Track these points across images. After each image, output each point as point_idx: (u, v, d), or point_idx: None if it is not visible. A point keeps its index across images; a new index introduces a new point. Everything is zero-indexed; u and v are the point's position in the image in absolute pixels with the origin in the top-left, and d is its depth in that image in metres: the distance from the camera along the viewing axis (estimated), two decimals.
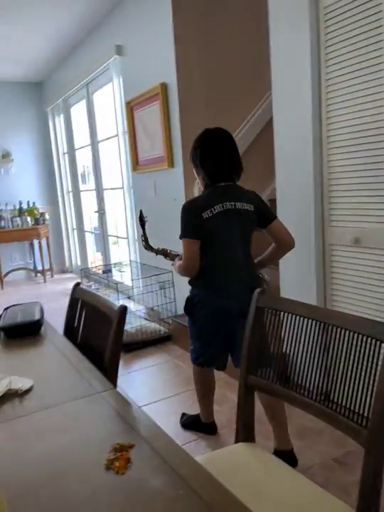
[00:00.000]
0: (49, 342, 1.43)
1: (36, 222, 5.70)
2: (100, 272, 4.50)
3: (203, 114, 3.12)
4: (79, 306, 1.56)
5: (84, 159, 5.44)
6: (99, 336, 1.36)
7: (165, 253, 2.12)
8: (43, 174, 6.13)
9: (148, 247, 2.21)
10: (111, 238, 5.00)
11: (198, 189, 3.12)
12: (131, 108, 3.58)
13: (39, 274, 6.00)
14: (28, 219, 5.66)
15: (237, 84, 3.22)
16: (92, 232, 5.70)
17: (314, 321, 1.15)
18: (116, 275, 4.46)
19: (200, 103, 3.10)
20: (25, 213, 5.70)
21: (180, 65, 2.98)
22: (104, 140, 4.57)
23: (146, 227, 2.16)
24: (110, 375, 1.21)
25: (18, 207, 5.72)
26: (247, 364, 1.29)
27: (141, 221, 2.17)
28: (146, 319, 3.48)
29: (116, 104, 4.04)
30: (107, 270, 4.01)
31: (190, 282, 1.83)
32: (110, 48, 3.72)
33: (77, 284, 1.60)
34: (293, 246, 1.84)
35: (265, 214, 1.82)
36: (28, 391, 1.09)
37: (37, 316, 1.52)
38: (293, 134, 2.21)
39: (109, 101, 4.29)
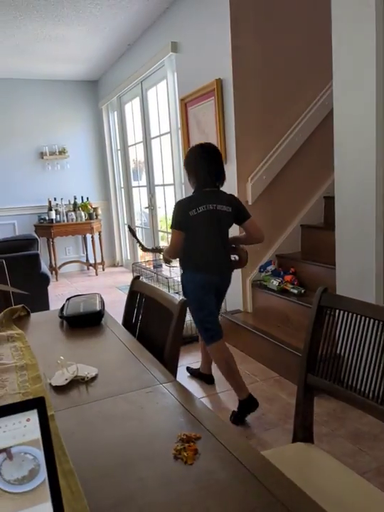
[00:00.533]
0: (110, 332, 1.47)
1: (89, 217, 5.87)
2: (150, 266, 4.57)
3: (258, 110, 3.09)
4: (138, 298, 1.59)
5: (136, 156, 5.54)
6: (159, 328, 1.38)
7: (159, 250, 2.66)
8: (97, 170, 6.30)
9: (144, 249, 2.72)
10: (160, 233, 5.06)
11: (251, 185, 3.10)
12: (185, 105, 3.60)
13: (91, 267, 6.18)
14: (82, 214, 5.84)
15: (294, 79, 3.16)
16: (142, 228, 5.80)
17: (377, 321, 1.11)
18: (165, 270, 4.51)
19: (256, 98, 3.07)
20: (80, 208, 5.88)
21: (236, 61, 2.97)
22: (157, 137, 4.63)
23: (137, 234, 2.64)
24: (170, 367, 1.22)
25: (72, 202, 5.92)
26: (307, 363, 1.27)
27: (132, 232, 2.75)
28: None
29: (169, 100, 4.08)
30: (158, 265, 4.06)
31: (181, 266, 2.32)
32: (166, 45, 3.76)
33: (137, 278, 1.63)
34: (261, 241, 2.35)
35: (241, 214, 2.27)
36: (93, 379, 1.13)
37: (98, 307, 1.56)
38: (354, 128, 2.14)
39: (162, 98, 4.34)
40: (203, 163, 2.22)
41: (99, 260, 6.12)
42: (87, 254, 6.29)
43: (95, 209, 5.99)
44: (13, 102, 5.73)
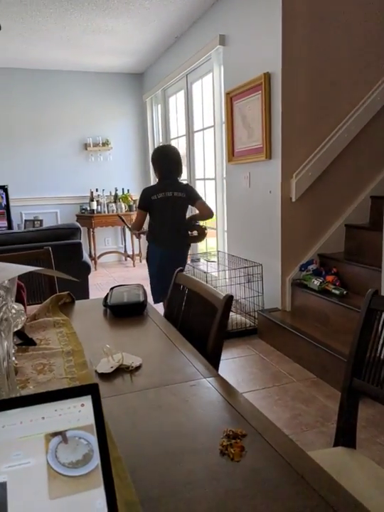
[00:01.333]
0: (152, 323, 1.48)
1: (129, 208, 5.94)
2: (188, 260, 4.58)
3: (306, 105, 3.02)
4: (180, 291, 1.59)
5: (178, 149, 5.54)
6: (201, 322, 1.38)
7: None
8: (138, 162, 6.36)
9: (129, 228, 3.25)
10: None
11: (295, 182, 3.04)
12: (230, 98, 3.57)
13: (128, 258, 6.27)
14: (122, 205, 5.92)
15: (344, 75, 3.07)
16: None
17: None
18: (202, 265, 4.51)
19: (305, 93, 3.00)
20: (120, 200, 5.97)
21: (286, 54, 2.91)
22: (200, 130, 4.61)
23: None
24: (213, 362, 1.22)
25: (113, 193, 6.01)
26: (353, 366, 1.24)
27: (121, 219, 3.40)
28: (231, 311, 3.48)
29: (214, 94, 4.05)
30: (195, 259, 4.07)
31: (147, 240, 3.02)
32: (214, 38, 3.73)
33: (180, 271, 1.63)
34: (211, 216, 3.05)
35: (193, 197, 2.97)
36: (137, 368, 1.14)
37: (141, 298, 1.58)
38: None
39: (207, 91, 4.32)
40: (164, 160, 2.92)
41: (137, 252, 6.20)
42: (125, 245, 6.38)
43: (135, 201, 6.05)
44: (60, 93, 5.86)
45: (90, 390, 0.67)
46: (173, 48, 4.88)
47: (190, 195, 2.97)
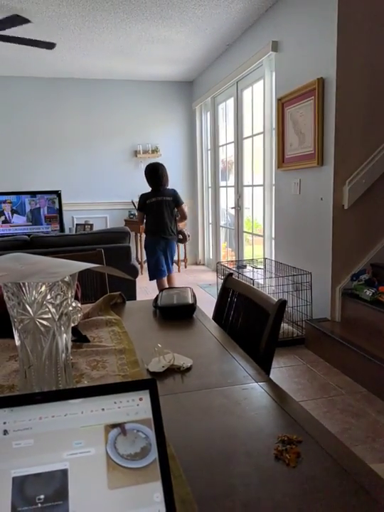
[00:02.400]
0: (201, 326, 1.48)
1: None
2: (233, 267, 4.56)
3: (361, 111, 2.95)
4: (230, 295, 1.59)
5: (226, 156, 5.56)
6: (252, 327, 1.37)
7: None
8: (186, 169, 6.43)
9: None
10: (244, 235, 5.03)
11: (348, 189, 2.96)
12: (282, 104, 3.53)
13: (174, 264, 6.31)
14: None
15: None
16: (226, 228, 5.81)
17: None
18: (248, 271, 4.48)
19: (360, 98, 2.93)
20: None
21: (341, 59, 2.85)
22: (249, 137, 4.60)
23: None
24: (264, 366, 1.20)
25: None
26: None
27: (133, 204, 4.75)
28: None
29: (265, 100, 4.03)
30: (242, 266, 4.04)
31: (145, 233, 4.03)
32: (266, 45, 3.72)
33: (230, 275, 1.63)
34: (185, 219, 4.11)
35: (177, 201, 3.96)
36: (188, 369, 1.14)
37: (191, 300, 1.58)
38: None
39: (258, 98, 4.31)
40: (151, 175, 3.94)
41: (182, 257, 6.24)
42: None
43: None
44: (112, 102, 6.03)
45: (148, 384, 0.68)
46: (223, 56, 4.91)
47: (175, 199, 3.95)
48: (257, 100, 4.32)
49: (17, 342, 0.92)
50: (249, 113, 4.56)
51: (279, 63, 3.63)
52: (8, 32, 3.64)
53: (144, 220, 3.99)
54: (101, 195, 6.14)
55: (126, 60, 5.15)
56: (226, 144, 5.38)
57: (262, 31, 3.88)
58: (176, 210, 3.97)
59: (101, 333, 1.42)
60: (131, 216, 6.07)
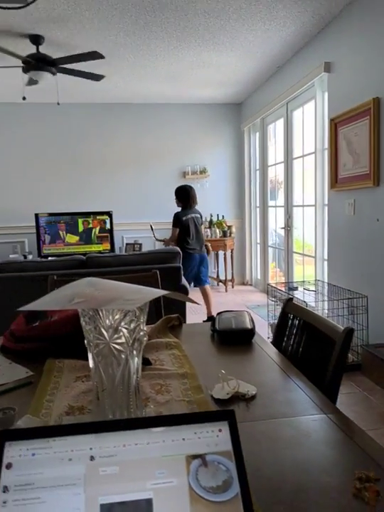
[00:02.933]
0: (262, 352, 1.46)
1: (224, 234, 6.02)
2: (282, 288, 4.49)
3: None
4: (290, 321, 1.56)
5: (274, 176, 5.54)
6: (316, 354, 1.34)
7: (163, 240, 4.90)
8: (234, 189, 6.46)
9: (157, 239, 5.13)
10: (294, 255, 4.96)
11: None
12: (335, 124, 3.50)
13: (221, 284, 6.31)
14: (217, 231, 6.02)
15: None
16: (274, 248, 5.76)
17: None
18: (299, 293, 4.39)
19: None
20: (215, 225, 6.08)
21: None
22: (300, 157, 4.57)
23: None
24: (330, 396, 1.17)
25: (208, 219, 6.14)
26: None
27: (151, 228, 5.19)
28: None
29: (317, 121, 4.01)
30: (293, 288, 3.98)
31: (180, 247, 3.90)
32: (318, 66, 3.72)
33: (290, 299, 1.61)
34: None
35: (202, 217, 4.69)
36: (253, 397, 1.13)
37: (249, 325, 1.57)
38: None
39: (308, 118, 4.29)
40: (186, 195, 4.53)
41: (229, 277, 6.22)
42: (217, 271, 6.44)
43: (230, 227, 6.13)
44: (161, 124, 6.20)
45: (227, 416, 0.68)
46: (273, 77, 4.95)
47: (201, 217, 4.69)
48: (308, 120, 4.30)
49: (91, 365, 0.95)
50: (300, 133, 4.54)
51: (332, 83, 3.61)
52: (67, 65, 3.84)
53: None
54: (150, 215, 6.27)
55: (176, 85, 5.29)
56: (275, 164, 5.37)
57: (314, 52, 3.88)
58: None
59: (161, 355, 1.43)
60: None
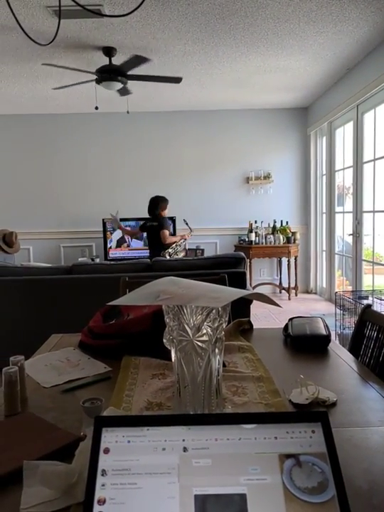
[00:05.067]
0: (339, 358, 1.41)
1: (287, 240, 5.91)
2: (351, 297, 4.32)
3: None
4: (368, 329, 1.50)
5: (342, 181, 5.37)
6: None
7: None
8: (299, 195, 6.33)
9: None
10: (364, 263, 4.76)
11: None
12: None
13: (283, 291, 6.19)
14: (280, 237, 5.92)
15: None
16: (341, 255, 5.56)
17: None
18: (368, 303, 4.20)
19: None
20: (278, 231, 5.99)
21: None
22: (371, 161, 4.40)
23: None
24: None
25: (272, 225, 6.06)
26: None
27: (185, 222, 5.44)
28: None
29: None
30: (363, 297, 3.81)
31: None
32: None
33: (368, 306, 1.54)
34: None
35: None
36: (333, 404, 1.09)
37: (325, 331, 1.53)
38: None
39: (380, 121, 4.12)
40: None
41: (292, 285, 6.09)
42: (280, 278, 6.33)
43: (294, 233, 6.01)
44: (225, 130, 6.23)
45: (320, 417, 0.67)
46: (342, 80, 4.81)
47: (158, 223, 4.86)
48: (380, 123, 4.13)
49: (174, 362, 0.96)
50: (371, 136, 4.37)
51: None
52: (138, 72, 3.97)
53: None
54: (212, 220, 6.30)
55: (241, 90, 5.30)
56: (343, 169, 5.20)
57: None
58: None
59: (235, 358, 1.43)
60: (241, 241, 6.12)
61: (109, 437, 0.64)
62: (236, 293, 0.89)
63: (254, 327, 1.79)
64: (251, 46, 3.90)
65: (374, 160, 4.31)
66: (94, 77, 3.93)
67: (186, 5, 3.12)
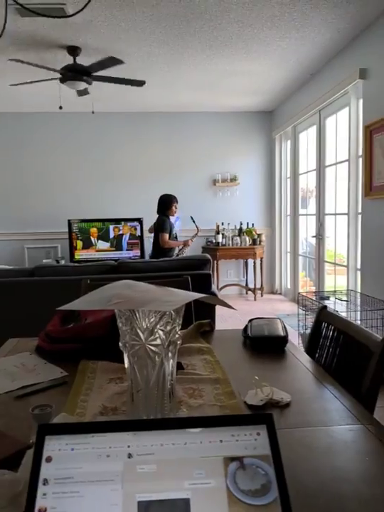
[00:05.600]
0: (295, 360, 1.44)
1: (253, 242, 5.98)
2: (313, 297, 4.42)
3: None
4: (324, 329, 1.54)
5: (306, 184, 5.48)
6: (352, 364, 1.31)
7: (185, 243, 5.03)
8: (264, 197, 6.43)
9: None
10: (326, 265, 4.87)
11: None
12: (370, 132, 3.44)
13: (250, 292, 6.26)
14: (246, 239, 5.99)
15: None
16: (305, 257, 5.68)
17: None
18: (330, 304, 4.30)
19: None
20: (244, 233, 6.05)
21: None
22: (332, 165, 4.51)
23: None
24: (368, 407, 1.14)
25: (238, 227, 6.12)
26: None
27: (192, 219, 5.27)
28: None
29: (351, 128, 3.95)
30: (324, 297, 3.90)
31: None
32: (353, 73, 3.67)
33: (324, 308, 1.58)
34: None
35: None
36: (287, 405, 1.11)
37: (283, 333, 1.55)
38: None
39: (342, 126, 4.23)
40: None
41: (258, 286, 6.17)
42: (247, 279, 6.40)
43: (259, 235, 6.09)
44: (192, 133, 6.25)
45: (265, 419, 0.67)
46: (306, 85, 4.91)
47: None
48: (342, 128, 4.24)
49: (127, 366, 0.95)
50: (333, 141, 4.49)
51: (367, 90, 3.55)
52: (103, 73, 3.93)
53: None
54: (180, 222, 6.30)
55: (208, 93, 5.33)
56: (307, 172, 5.31)
57: (349, 59, 3.83)
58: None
59: (193, 360, 1.43)
60: (208, 243, 6.14)
61: (52, 445, 0.63)
62: (188, 296, 0.89)
63: (219, 328, 1.80)
64: (216, 49, 3.93)
65: (335, 164, 4.42)
66: (58, 75, 3.86)
67: (151, 6, 3.11)
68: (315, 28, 3.53)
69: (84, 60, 3.92)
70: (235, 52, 4.00)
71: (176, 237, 5.01)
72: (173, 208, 4.87)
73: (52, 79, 3.95)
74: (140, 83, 4.05)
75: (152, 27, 3.45)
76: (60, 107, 4.32)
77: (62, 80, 3.86)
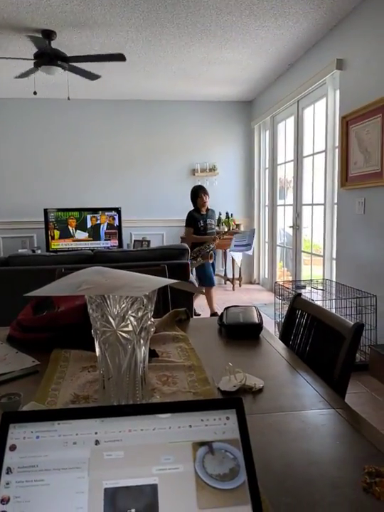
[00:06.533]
0: (269, 346, 1.45)
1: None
2: (291, 287, 4.46)
3: None
4: (298, 316, 1.55)
5: (283, 174, 5.51)
6: (324, 350, 1.32)
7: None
8: (243, 187, 6.43)
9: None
10: (303, 254, 4.92)
11: None
12: (346, 122, 3.47)
13: (228, 282, 6.29)
14: (225, 228, 5.99)
15: None
16: (283, 247, 5.72)
17: None
18: (307, 293, 4.36)
19: None
20: (223, 223, 6.05)
21: None
22: (310, 155, 4.54)
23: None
24: (339, 392, 1.15)
25: (217, 217, 6.11)
26: None
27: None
28: None
29: (328, 119, 3.98)
30: (301, 286, 3.95)
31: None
32: (330, 63, 3.68)
33: (299, 295, 1.59)
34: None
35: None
36: (260, 390, 1.11)
37: (257, 320, 1.56)
38: None
39: (319, 116, 4.25)
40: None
41: (237, 276, 6.20)
42: (225, 269, 6.42)
43: (238, 225, 6.10)
44: (171, 122, 6.19)
45: (235, 404, 0.67)
46: (284, 75, 4.92)
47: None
48: (319, 118, 4.26)
49: (98, 353, 0.94)
50: (310, 131, 4.51)
51: (344, 81, 3.57)
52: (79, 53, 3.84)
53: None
54: (158, 212, 6.26)
55: (186, 82, 5.28)
56: (285, 163, 5.34)
57: (326, 50, 3.85)
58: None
59: (168, 348, 1.43)
60: None
61: (17, 434, 0.61)
62: (160, 282, 0.88)
63: (197, 317, 1.80)
64: (194, 37, 3.88)
65: (313, 155, 4.45)
66: (32, 59, 3.76)
67: None
68: (293, 18, 3.52)
69: (59, 44, 3.82)
70: (214, 40, 3.96)
71: (204, 232, 4.65)
72: (200, 198, 4.61)
73: (27, 59, 3.83)
74: (120, 57, 3.94)
75: (129, 11, 3.38)
76: (35, 93, 4.22)
77: (38, 64, 3.76)
